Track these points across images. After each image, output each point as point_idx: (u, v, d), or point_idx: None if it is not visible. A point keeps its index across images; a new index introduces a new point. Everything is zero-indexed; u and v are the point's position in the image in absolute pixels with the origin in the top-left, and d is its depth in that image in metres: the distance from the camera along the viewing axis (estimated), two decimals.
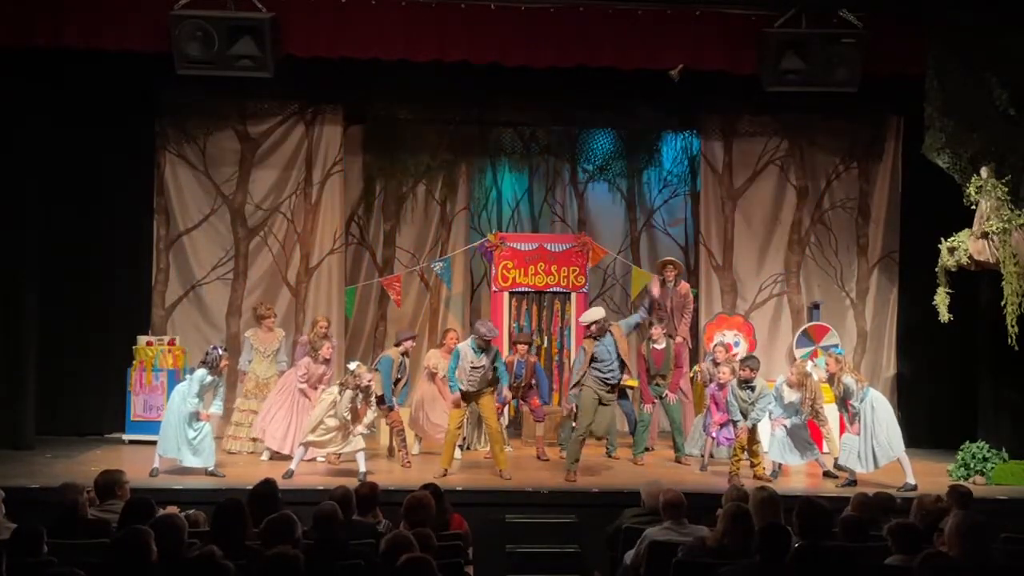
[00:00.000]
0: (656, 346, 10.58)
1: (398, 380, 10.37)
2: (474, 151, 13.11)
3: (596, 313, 9.86)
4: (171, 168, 12.14)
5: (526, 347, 10.76)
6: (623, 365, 9.70)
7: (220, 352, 9.58)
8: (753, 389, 9.68)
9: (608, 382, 9.60)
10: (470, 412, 10.30)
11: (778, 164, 12.64)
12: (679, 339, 10.96)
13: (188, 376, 9.88)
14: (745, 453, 9.68)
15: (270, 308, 11.25)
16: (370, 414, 9.57)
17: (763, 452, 10.01)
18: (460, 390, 9.66)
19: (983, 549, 5.11)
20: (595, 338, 9.60)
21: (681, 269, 11.79)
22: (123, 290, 11.99)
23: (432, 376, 10.76)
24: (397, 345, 10.54)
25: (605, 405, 9.67)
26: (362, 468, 9.35)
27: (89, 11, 9.65)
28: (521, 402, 10.83)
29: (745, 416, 9.62)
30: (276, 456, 10.34)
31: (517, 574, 8.48)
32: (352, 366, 9.63)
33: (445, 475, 9.41)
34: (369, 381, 9.53)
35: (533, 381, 10.74)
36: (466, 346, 9.69)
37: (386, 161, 12.96)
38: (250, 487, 6.61)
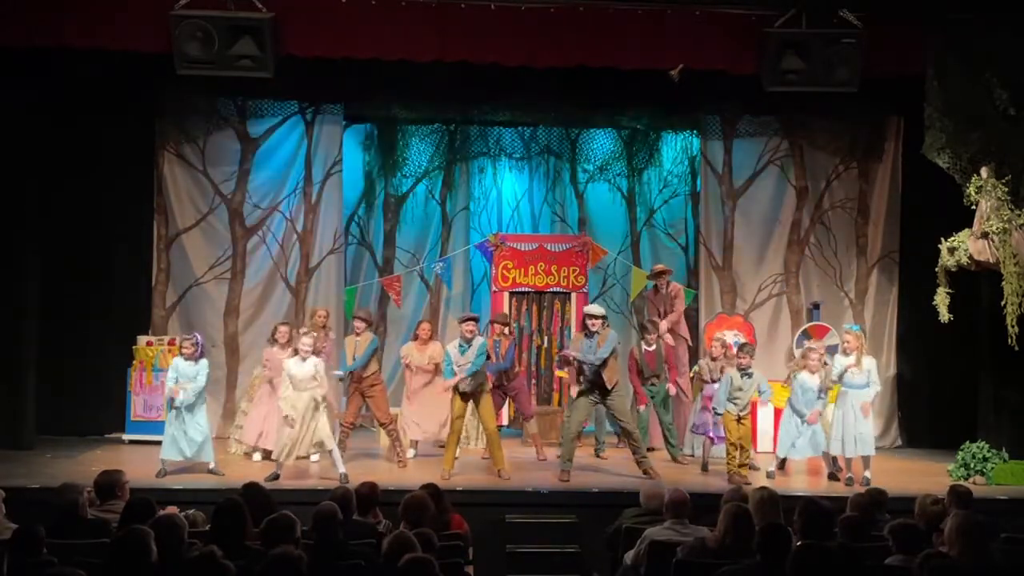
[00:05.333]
0: (647, 348, 10.60)
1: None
2: (474, 151, 13.14)
3: (600, 309, 9.90)
4: (169, 168, 12.15)
5: (502, 327, 10.78)
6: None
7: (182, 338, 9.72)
8: (751, 376, 9.71)
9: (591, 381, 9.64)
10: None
11: (778, 164, 12.65)
12: (666, 338, 10.97)
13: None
14: (739, 452, 9.70)
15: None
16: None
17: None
18: (459, 391, 9.62)
19: (983, 549, 5.11)
20: (587, 335, 9.61)
21: (671, 272, 11.77)
22: (123, 290, 12.00)
23: (407, 368, 10.73)
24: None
25: (598, 403, 9.78)
26: (340, 468, 9.33)
27: (89, 11, 9.63)
28: (511, 400, 10.84)
29: (743, 405, 9.65)
30: (268, 456, 10.34)
31: (517, 574, 8.48)
32: (302, 332, 9.75)
33: (449, 478, 9.39)
34: (306, 345, 9.40)
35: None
36: (453, 347, 9.70)
37: (386, 161, 12.99)
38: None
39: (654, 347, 10.61)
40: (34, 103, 10.81)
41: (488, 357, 9.85)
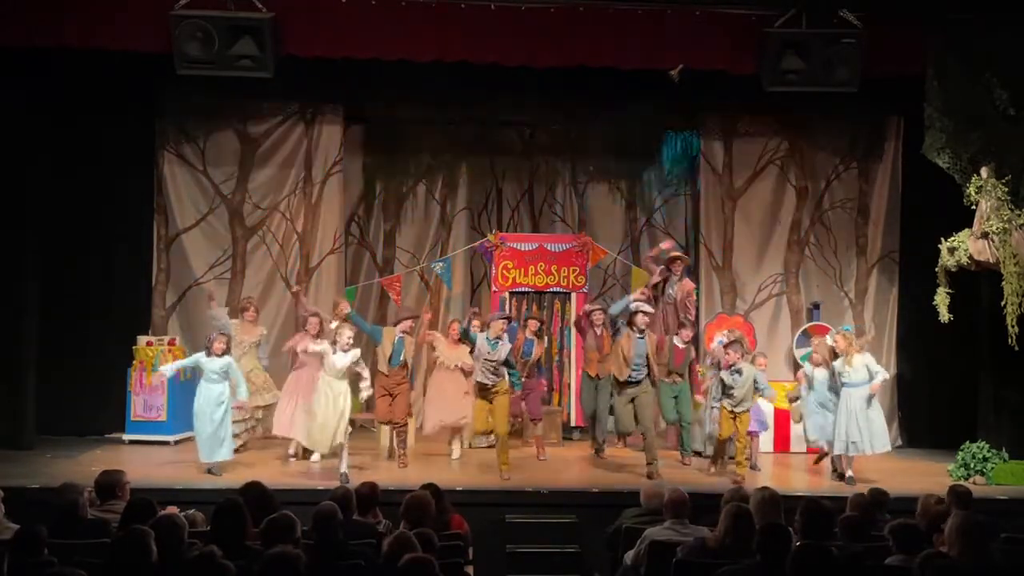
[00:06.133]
0: (678, 344, 10.56)
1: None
2: (474, 151, 13.13)
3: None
4: (169, 168, 12.15)
5: (537, 324, 10.83)
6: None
7: (214, 335, 9.70)
8: (741, 373, 9.72)
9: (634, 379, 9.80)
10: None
11: (778, 164, 12.65)
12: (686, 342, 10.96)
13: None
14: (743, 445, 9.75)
15: (250, 300, 11.14)
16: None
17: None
18: (478, 382, 9.74)
19: (983, 549, 5.11)
20: (639, 332, 9.85)
21: (687, 263, 11.77)
22: (123, 290, 12.00)
23: (436, 363, 10.76)
24: (395, 325, 10.43)
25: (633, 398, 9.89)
26: (343, 468, 9.36)
27: (89, 11, 9.64)
28: (522, 401, 10.84)
29: (738, 400, 9.68)
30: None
31: (517, 574, 8.48)
32: (333, 325, 9.75)
33: (509, 478, 9.56)
34: (349, 339, 9.50)
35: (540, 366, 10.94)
36: (483, 338, 9.71)
37: (386, 161, 13.00)
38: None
39: (684, 344, 10.60)
40: (34, 103, 10.80)
41: (514, 364, 9.92)
